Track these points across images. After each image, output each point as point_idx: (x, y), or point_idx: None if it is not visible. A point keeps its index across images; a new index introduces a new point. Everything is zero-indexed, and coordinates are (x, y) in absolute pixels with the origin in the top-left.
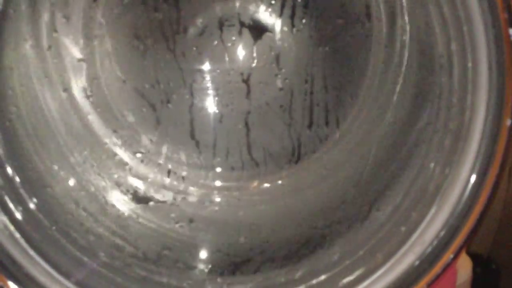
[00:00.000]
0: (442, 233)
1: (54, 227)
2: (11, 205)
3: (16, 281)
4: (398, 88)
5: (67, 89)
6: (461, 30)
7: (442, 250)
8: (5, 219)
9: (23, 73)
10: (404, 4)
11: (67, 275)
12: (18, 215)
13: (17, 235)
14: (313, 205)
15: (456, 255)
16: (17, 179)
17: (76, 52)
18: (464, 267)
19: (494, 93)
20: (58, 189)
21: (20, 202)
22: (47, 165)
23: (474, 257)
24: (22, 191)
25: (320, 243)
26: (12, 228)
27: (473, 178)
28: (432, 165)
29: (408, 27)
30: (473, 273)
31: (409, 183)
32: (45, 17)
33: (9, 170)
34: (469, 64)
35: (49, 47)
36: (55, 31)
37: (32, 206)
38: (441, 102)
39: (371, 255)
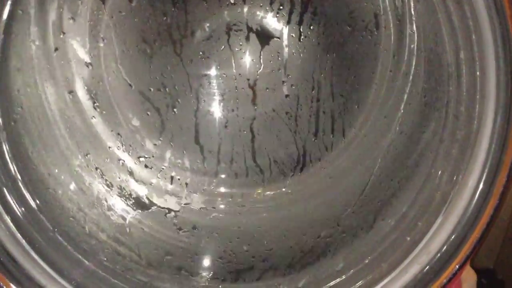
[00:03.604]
0: (448, 243)
1: (56, 229)
2: (13, 205)
3: (16, 282)
4: (405, 97)
5: (72, 91)
6: (470, 39)
7: (448, 260)
8: (7, 218)
9: (30, 74)
10: (413, 13)
11: (68, 278)
12: (20, 215)
13: (19, 235)
14: (318, 213)
15: (462, 265)
16: (20, 179)
17: (82, 54)
18: (468, 280)
19: (502, 103)
20: (60, 192)
21: (22, 202)
22: (49, 168)
23: (479, 270)
24: (25, 191)
25: (324, 252)
26: (13, 228)
27: (480, 187)
28: (439, 174)
29: (416, 36)
30: (478, 285)
31: (415, 192)
32: (53, 18)
33: (13, 169)
34: (478, 73)
35: (56, 49)
36: (62, 32)
37: (34, 206)
38: (449, 111)
39: (375, 265)
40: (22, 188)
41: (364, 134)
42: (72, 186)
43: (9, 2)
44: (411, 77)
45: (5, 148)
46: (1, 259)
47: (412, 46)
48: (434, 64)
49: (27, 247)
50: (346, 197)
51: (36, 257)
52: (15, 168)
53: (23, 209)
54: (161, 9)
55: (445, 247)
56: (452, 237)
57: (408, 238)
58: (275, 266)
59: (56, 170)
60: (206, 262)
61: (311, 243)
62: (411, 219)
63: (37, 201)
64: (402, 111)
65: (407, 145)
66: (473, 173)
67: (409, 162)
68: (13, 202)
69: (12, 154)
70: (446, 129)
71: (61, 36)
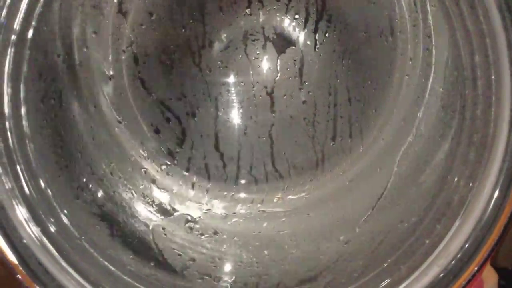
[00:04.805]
0: (467, 245)
1: (82, 237)
2: (42, 214)
3: (45, 287)
4: (422, 100)
5: (95, 103)
6: (484, 43)
7: (467, 262)
8: (38, 230)
9: (54, 88)
10: (428, 17)
11: (94, 283)
12: (51, 226)
13: (49, 245)
14: (337, 217)
15: (481, 267)
16: (49, 190)
17: (105, 67)
18: (490, 280)
19: None
20: (85, 200)
21: (51, 211)
22: (74, 178)
23: (499, 270)
24: (53, 201)
25: (343, 256)
26: (44, 239)
27: (497, 190)
28: (456, 177)
29: (432, 40)
30: (499, 286)
31: (433, 196)
32: (76, 33)
33: (42, 182)
34: (493, 77)
35: (80, 62)
36: (86, 46)
37: (62, 215)
38: (465, 115)
39: (395, 268)
40: (51, 198)
41: (382, 138)
42: (97, 195)
43: (34, 19)
44: (428, 81)
45: (33, 160)
46: (31, 266)
47: (428, 50)
48: (450, 68)
49: (55, 254)
50: (365, 201)
51: (64, 264)
52: (43, 179)
53: (51, 218)
54: (180, 22)
55: (463, 249)
56: (470, 240)
57: (427, 241)
58: (295, 270)
59: (82, 180)
60: (228, 266)
61: (330, 246)
62: (429, 222)
63: (65, 210)
64: (419, 114)
65: (425, 148)
66: (490, 175)
67: (427, 165)
68: (42, 212)
69: (40, 166)
70: (463, 132)
71: (85, 50)
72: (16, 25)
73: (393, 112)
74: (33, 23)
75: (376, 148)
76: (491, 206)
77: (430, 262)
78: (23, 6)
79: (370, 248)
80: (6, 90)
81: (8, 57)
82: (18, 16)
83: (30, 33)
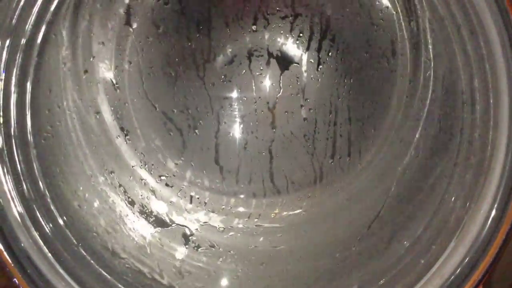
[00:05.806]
0: (461, 266)
1: (80, 244)
2: (42, 221)
3: None
4: (421, 122)
5: (98, 112)
6: (483, 68)
7: (461, 284)
8: (35, 234)
9: (60, 95)
10: (429, 41)
11: None
12: (48, 231)
13: (46, 250)
14: (333, 234)
15: None
16: (49, 195)
17: (110, 76)
18: None
19: None
20: (84, 208)
21: (50, 217)
22: (74, 185)
23: None
24: (52, 207)
25: (339, 273)
26: (41, 241)
27: (493, 212)
28: (453, 199)
29: (432, 64)
30: None
31: (430, 216)
32: (84, 42)
33: (42, 186)
34: (491, 101)
35: (86, 71)
36: (92, 56)
37: (60, 221)
38: (463, 137)
39: (390, 287)
40: (50, 204)
41: (380, 158)
42: (96, 203)
43: (43, 27)
44: (427, 103)
45: (35, 165)
46: (28, 271)
47: (428, 73)
48: (449, 91)
49: (53, 260)
50: (361, 219)
51: (60, 270)
52: (44, 185)
53: (50, 224)
54: (186, 35)
55: (458, 270)
56: (465, 261)
57: (422, 261)
58: (290, 286)
59: (81, 188)
60: (223, 280)
61: (326, 263)
62: (425, 242)
63: (64, 217)
64: (418, 135)
65: (423, 169)
66: (487, 198)
67: (424, 186)
68: (41, 217)
69: (41, 172)
70: (460, 154)
71: (91, 59)
72: (26, 31)
73: (392, 132)
74: (42, 31)
75: (374, 167)
76: (487, 227)
77: (424, 282)
78: (34, 13)
79: (365, 266)
80: (13, 94)
81: (16, 62)
82: (28, 23)
83: (38, 41)
